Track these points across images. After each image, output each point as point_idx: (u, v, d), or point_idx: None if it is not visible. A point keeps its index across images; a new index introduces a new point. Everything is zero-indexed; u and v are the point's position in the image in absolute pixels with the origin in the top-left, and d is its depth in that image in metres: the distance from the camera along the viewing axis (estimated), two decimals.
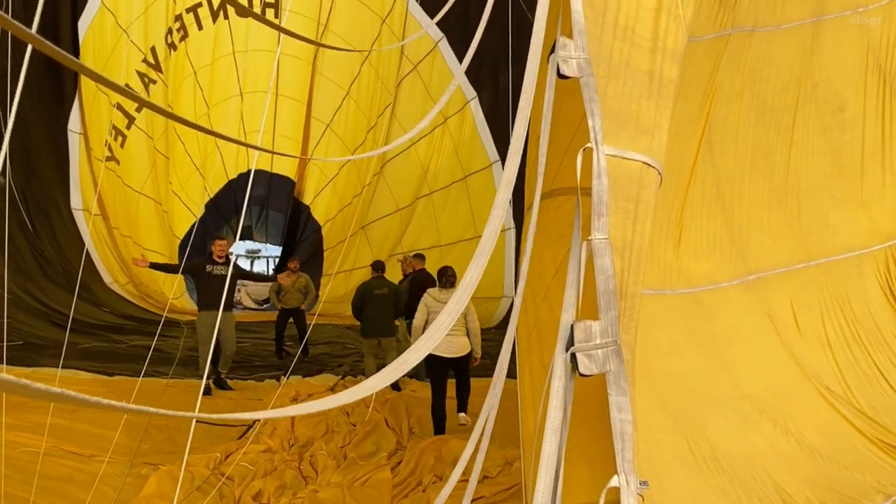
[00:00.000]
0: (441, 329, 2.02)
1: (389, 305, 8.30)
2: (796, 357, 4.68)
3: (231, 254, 7.61)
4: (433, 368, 6.43)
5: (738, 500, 3.59)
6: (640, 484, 1.84)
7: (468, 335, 6.39)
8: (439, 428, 6.30)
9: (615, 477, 1.85)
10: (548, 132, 2.52)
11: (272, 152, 7.10)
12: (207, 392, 7.56)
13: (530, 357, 2.67)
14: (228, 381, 8.03)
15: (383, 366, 8.24)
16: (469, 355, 6.43)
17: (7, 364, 6.38)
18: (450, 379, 6.54)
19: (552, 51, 2.41)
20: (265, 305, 10.88)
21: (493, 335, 9.58)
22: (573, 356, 1.97)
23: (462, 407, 6.59)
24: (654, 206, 2.30)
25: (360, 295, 8.23)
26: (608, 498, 1.86)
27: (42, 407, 5.70)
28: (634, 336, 2.18)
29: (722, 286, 4.88)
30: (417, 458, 5.44)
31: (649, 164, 2.33)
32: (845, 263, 5.13)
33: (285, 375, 7.90)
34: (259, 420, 6.24)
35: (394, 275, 10.15)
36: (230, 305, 8.04)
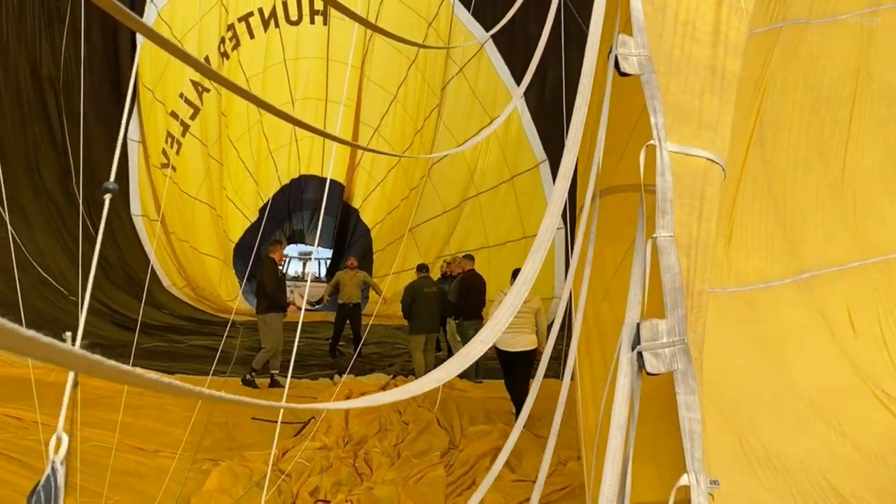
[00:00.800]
0: (501, 322, 2.06)
1: (437, 304, 8.75)
2: (851, 357, 4.54)
3: (287, 258, 8.01)
4: (502, 361, 6.84)
5: (794, 502, 3.51)
6: (711, 483, 1.82)
7: (537, 333, 6.75)
8: (517, 403, 6.70)
9: (684, 476, 1.83)
10: (604, 130, 2.52)
11: (366, 149, 7.29)
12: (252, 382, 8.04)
13: (590, 356, 2.66)
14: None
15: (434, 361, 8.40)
16: (531, 352, 6.71)
17: None
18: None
19: (611, 49, 2.41)
20: (318, 306, 11.12)
21: None
22: (639, 355, 1.97)
23: None
24: (718, 203, 2.28)
25: (410, 293, 8.64)
26: (677, 497, 1.84)
27: (109, 404, 5.93)
28: (702, 335, 2.16)
29: (773, 284, 4.77)
30: (473, 462, 5.47)
31: (713, 160, 2.31)
32: None
33: (340, 374, 8.07)
34: (313, 417, 6.38)
35: (434, 276, 10.34)
36: (285, 306, 8.49)
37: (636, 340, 1.99)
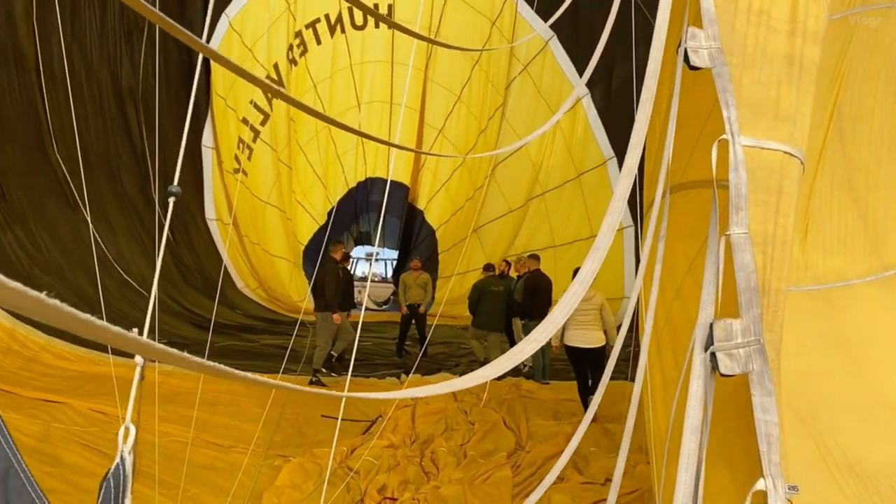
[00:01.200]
0: (554, 322, 2.06)
1: (503, 302, 8.91)
2: None
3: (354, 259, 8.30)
4: (571, 358, 6.92)
5: None
6: (789, 489, 1.75)
7: (604, 330, 6.84)
8: (586, 406, 6.63)
9: (761, 480, 1.76)
10: (674, 125, 2.45)
11: (427, 153, 7.36)
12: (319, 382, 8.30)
13: (661, 357, 2.59)
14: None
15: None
16: (601, 349, 6.78)
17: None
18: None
19: (680, 42, 2.34)
20: (384, 306, 11.32)
21: None
22: (713, 356, 1.91)
23: None
24: (796, 198, 2.18)
25: (478, 290, 8.93)
26: (753, 501, 1.77)
27: (186, 400, 6.17)
28: (779, 335, 2.07)
29: (854, 283, 4.54)
30: (541, 464, 5.43)
31: (791, 154, 2.21)
32: None
33: (406, 374, 8.17)
34: (381, 415, 6.47)
35: None
36: (351, 305, 8.76)
37: (709, 341, 1.93)
